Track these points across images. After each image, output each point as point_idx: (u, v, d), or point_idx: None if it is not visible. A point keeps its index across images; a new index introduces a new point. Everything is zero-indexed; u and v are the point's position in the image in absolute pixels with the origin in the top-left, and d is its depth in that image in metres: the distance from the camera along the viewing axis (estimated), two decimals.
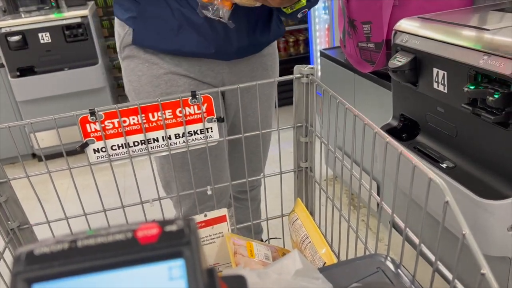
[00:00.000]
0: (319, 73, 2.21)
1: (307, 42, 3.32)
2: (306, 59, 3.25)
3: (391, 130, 1.25)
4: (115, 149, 0.80)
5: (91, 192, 0.87)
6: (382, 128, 1.27)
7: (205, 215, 0.84)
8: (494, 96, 0.86)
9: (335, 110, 0.73)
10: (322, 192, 0.84)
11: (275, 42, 1.22)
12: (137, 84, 1.06)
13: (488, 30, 0.96)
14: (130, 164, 0.82)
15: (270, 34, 1.13)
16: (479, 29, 0.98)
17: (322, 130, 0.85)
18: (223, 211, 0.87)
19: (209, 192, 0.87)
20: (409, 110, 1.22)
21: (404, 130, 1.23)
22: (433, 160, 1.09)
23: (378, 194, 0.72)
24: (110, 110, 0.77)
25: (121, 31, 1.06)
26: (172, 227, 0.21)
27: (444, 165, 1.06)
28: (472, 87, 0.91)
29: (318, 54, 2.21)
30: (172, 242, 0.21)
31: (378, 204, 0.64)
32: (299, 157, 0.89)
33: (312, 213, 0.92)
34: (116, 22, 1.09)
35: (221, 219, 0.87)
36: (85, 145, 0.79)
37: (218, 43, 1.02)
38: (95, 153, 0.80)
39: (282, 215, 0.95)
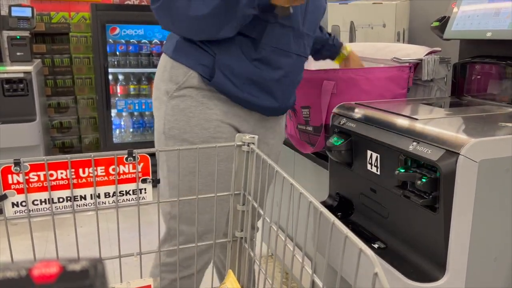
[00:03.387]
0: None
1: None
2: None
3: (326, 208, 1.26)
4: (37, 204, 0.74)
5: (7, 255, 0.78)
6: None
7: (128, 283, 0.78)
8: (422, 180, 0.91)
9: (273, 181, 0.73)
10: (255, 267, 0.81)
11: None
12: (185, 124, 1.13)
13: (418, 119, 1.03)
14: (52, 230, 0.75)
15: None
16: (410, 118, 1.05)
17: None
18: (148, 281, 0.81)
19: (135, 259, 0.81)
20: (344, 189, 1.25)
21: (339, 209, 1.25)
22: (366, 240, 1.10)
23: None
24: (37, 162, 0.73)
25: (181, 73, 1.13)
26: (75, 267, 0.19)
27: (376, 246, 1.07)
28: (402, 171, 0.95)
29: None
30: (72, 284, 0.18)
31: (310, 283, 0.63)
32: (234, 226, 0.87)
33: None
34: (173, 65, 1.14)
35: None
36: (3, 197, 0.73)
37: (279, 100, 1.20)
38: (13, 207, 0.74)
39: None
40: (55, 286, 0.18)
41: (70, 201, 0.75)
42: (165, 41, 1.23)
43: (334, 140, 1.18)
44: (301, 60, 1.23)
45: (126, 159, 0.76)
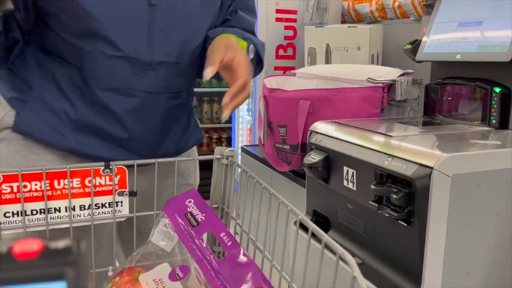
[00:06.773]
0: None
1: (229, 140, 3.42)
2: None
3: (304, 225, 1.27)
4: (9, 217, 0.72)
5: None
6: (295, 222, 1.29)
7: None
8: (397, 194, 0.93)
9: (252, 195, 0.74)
10: None
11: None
12: None
13: (392, 136, 1.06)
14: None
15: (187, 141, 1.03)
16: (385, 135, 1.08)
17: (239, 219, 0.85)
18: None
19: (110, 273, 0.79)
20: (321, 206, 1.26)
21: (316, 225, 1.25)
22: None
23: None
24: (11, 173, 0.71)
25: (1, 110, 0.91)
26: (58, 244, 0.19)
27: None
28: (377, 186, 0.97)
29: (239, 150, 2.28)
30: (54, 261, 0.18)
31: None
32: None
33: None
34: None
35: None
36: None
37: (119, 149, 0.93)
38: None
39: None
40: (37, 263, 0.18)
41: (44, 213, 0.74)
42: None
43: (311, 157, 1.19)
44: (159, 98, 0.91)
45: (103, 171, 0.75)
